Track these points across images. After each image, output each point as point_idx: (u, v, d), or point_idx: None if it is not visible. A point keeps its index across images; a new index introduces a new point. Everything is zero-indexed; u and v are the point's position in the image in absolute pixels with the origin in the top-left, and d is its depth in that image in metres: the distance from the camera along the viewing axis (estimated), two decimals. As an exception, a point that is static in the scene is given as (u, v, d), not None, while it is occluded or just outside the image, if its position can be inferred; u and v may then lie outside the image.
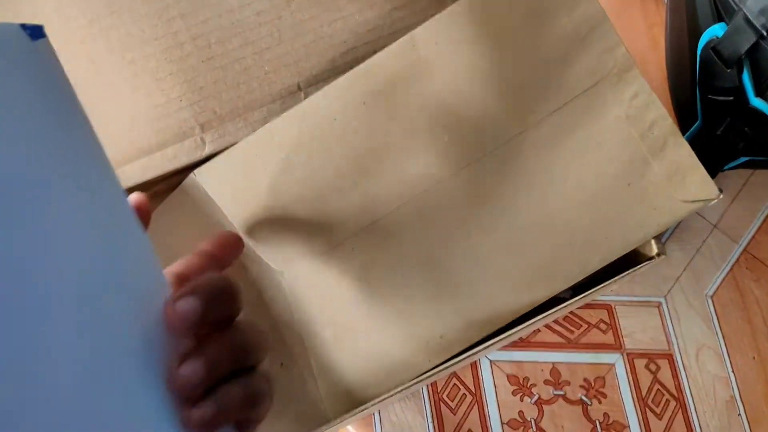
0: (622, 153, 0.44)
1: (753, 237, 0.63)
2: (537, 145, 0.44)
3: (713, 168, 0.55)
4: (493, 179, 0.44)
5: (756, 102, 0.52)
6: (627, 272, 0.50)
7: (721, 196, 0.46)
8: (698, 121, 0.58)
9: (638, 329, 0.59)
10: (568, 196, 0.44)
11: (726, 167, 0.57)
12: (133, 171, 0.50)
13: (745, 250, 0.62)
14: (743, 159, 0.58)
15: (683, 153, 0.44)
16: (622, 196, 0.44)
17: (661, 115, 0.44)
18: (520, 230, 0.45)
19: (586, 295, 0.51)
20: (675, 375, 0.58)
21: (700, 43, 0.53)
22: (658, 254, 0.49)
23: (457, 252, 0.45)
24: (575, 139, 0.44)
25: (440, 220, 0.45)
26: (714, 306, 0.60)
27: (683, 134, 0.62)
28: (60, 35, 0.46)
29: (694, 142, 0.60)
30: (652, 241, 0.49)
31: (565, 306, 0.50)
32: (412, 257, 0.45)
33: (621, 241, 0.44)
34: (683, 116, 0.63)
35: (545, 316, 0.50)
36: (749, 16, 0.48)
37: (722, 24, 0.51)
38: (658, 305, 0.60)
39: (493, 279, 0.45)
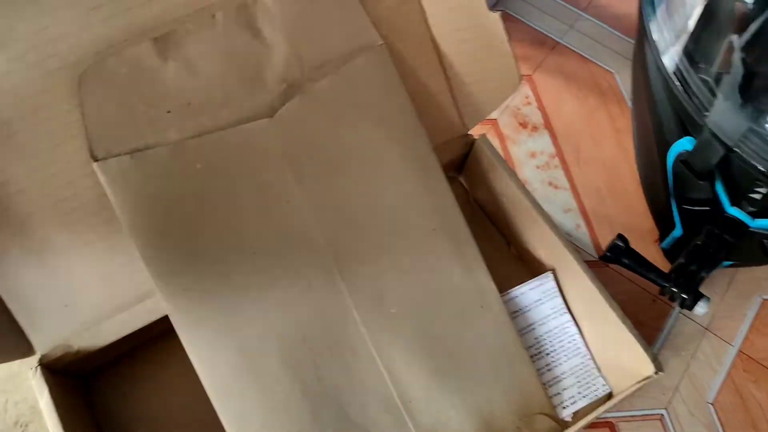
0: None
1: (746, 337, 0.62)
2: None
3: (697, 278, 0.55)
4: None
5: (732, 211, 0.52)
6: (625, 392, 0.50)
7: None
8: (677, 229, 0.59)
9: (643, 444, 0.58)
10: None
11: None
12: (112, 326, 0.49)
13: (740, 351, 0.62)
14: (727, 263, 0.58)
15: None
16: None
17: None
18: None
19: (588, 420, 0.50)
20: (686, 489, 0.56)
21: (669, 156, 0.55)
22: (656, 372, 0.48)
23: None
24: None
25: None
26: (716, 412, 0.59)
27: (662, 241, 0.63)
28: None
29: (675, 250, 0.60)
30: (648, 359, 0.48)
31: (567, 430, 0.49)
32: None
33: None
34: (661, 223, 0.64)
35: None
36: (714, 131, 0.50)
37: (689, 138, 0.52)
38: (660, 417, 0.59)
39: None
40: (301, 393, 0.45)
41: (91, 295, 0.48)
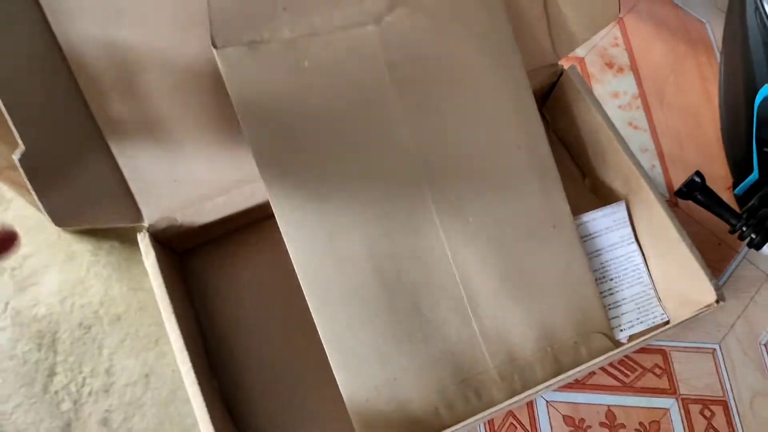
0: None
1: (808, 286, 0.64)
2: None
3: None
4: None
5: (813, 157, 0.54)
6: (685, 318, 0.52)
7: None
8: (754, 173, 0.60)
9: (693, 375, 0.60)
10: None
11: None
12: (214, 206, 0.53)
13: (799, 299, 0.63)
14: (799, 211, 0.59)
15: None
16: None
17: None
18: None
19: (642, 341, 0.52)
20: (729, 421, 0.59)
21: (757, 98, 0.56)
22: (717, 301, 0.50)
23: None
24: None
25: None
26: (768, 355, 0.61)
27: (736, 188, 0.64)
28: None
29: (749, 194, 0.61)
30: (711, 287, 0.51)
31: (621, 351, 0.52)
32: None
33: None
34: (738, 168, 0.65)
35: (601, 360, 0.51)
36: (806, 75, 0.51)
37: (779, 81, 0.53)
38: (713, 352, 0.61)
39: None
40: (380, 281, 0.49)
41: (198, 174, 0.52)
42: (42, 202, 0.42)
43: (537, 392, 0.49)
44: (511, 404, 0.49)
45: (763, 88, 0.55)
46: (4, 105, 0.40)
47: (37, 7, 0.45)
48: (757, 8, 0.54)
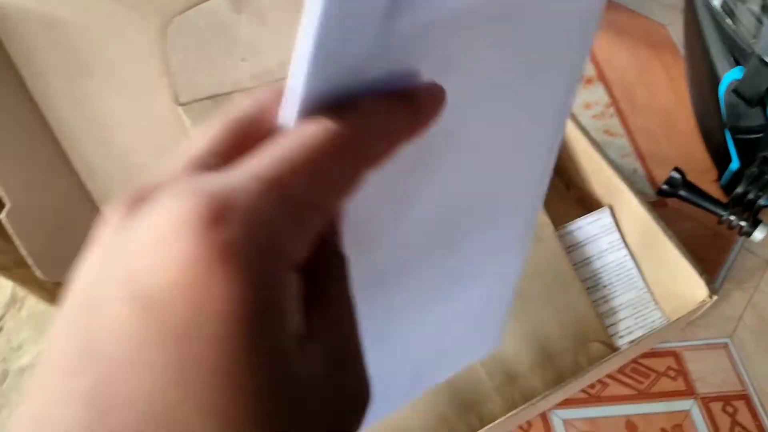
0: None
1: (810, 267, 0.63)
2: None
3: (755, 206, 0.56)
4: None
5: (786, 135, 0.53)
6: (681, 317, 0.51)
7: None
8: (734, 162, 0.60)
9: (709, 372, 0.59)
10: None
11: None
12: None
13: (803, 281, 0.62)
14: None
15: None
16: None
17: None
18: None
19: (643, 345, 0.51)
20: (755, 415, 0.57)
21: (721, 88, 0.56)
22: (711, 295, 0.50)
23: None
24: None
25: None
26: (782, 341, 0.60)
27: (721, 177, 0.64)
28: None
29: (733, 183, 0.61)
30: (702, 283, 0.50)
31: (621, 356, 0.50)
32: None
33: None
34: (719, 160, 0.65)
35: (602, 367, 0.50)
36: (764, 57, 0.51)
37: (740, 67, 0.54)
38: (725, 346, 0.60)
39: None
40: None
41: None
42: (29, 255, 0.42)
43: (538, 403, 0.48)
44: (511, 416, 0.48)
45: (724, 77, 0.55)
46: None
47: (14, 69, 0.46)
48: (706, 3, 0.55)
